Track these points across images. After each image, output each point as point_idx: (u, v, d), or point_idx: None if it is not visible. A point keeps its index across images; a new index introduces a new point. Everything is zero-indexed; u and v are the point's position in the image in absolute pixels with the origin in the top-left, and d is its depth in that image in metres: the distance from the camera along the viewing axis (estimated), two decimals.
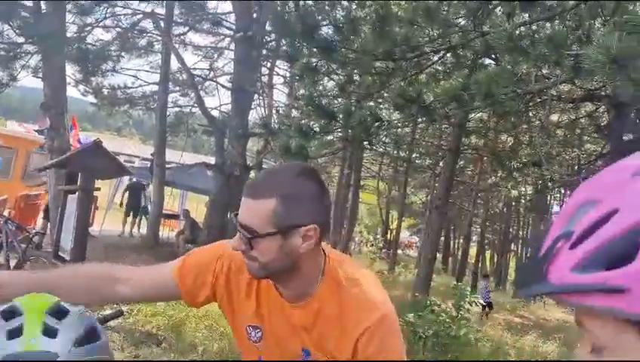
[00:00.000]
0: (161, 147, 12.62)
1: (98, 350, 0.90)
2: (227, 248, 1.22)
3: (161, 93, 13.22)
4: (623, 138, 8.63)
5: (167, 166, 13.11)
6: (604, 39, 2.98)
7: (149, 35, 13.65)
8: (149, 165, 14.81)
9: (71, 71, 11.91)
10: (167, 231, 14.78)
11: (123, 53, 13.13)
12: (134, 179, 14.65)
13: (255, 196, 1.09)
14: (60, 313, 0.90)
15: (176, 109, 16.32)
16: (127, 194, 14.53)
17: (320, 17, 6.58)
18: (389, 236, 23.80)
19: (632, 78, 3.05)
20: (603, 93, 7.20)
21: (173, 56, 12.47)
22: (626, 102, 6.47)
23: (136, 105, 16.04)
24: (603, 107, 8.60)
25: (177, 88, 15.50)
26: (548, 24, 4.81)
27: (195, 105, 13.81)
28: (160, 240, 12.87)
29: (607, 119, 8.78)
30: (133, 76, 15.03)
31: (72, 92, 13.69)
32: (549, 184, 9.20)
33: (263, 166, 17.83)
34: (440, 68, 8.25)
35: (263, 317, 1.24)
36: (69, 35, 9.88)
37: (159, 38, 12.95)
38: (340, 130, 4.98)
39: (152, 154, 13.97)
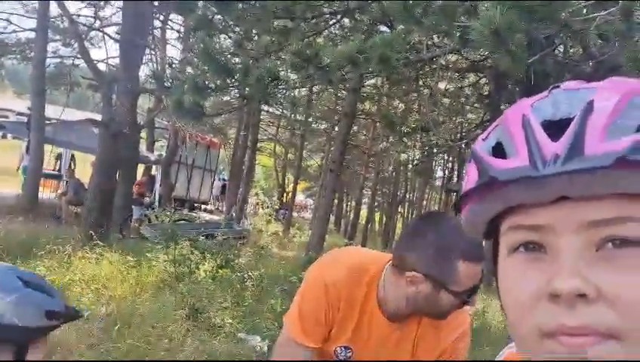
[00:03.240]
0: (40, 101, 11.57)
1: None
2: (329, 282, 1.32)
3: (38, 40, 12.03)
4: (501, 108, 9.35)
5: (47, 122, 12.11)
6: (488, 12, 3.16)
7: None
8: (26, 121, 13.61)
9: None
10: (49, 192, 13.78)
11: None
12: None
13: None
14: None
15: (57, 60, 15.03)
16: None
17: None
18: (284, 198, 24.03)
19: (510, 51, 3.29)
20: (486, 65, 7.71)
21: (52, 1, 11.37)
22: (505, 74, 6.99)
23: (9, 53, 14.55)
24: (485, 78, 9.22)
25: (58, 37, 14.19)
26: None
27: (79, 56, 12.76)
28: (40, 201, 12.00)
29: (488, 90, 9.43)
30: (6, 20, 13.64)
31: None
32: (435, 150, 9.78)
33: (155, 125, 17.02)
34: (337, 32, 8.33)
35: (357, 339, 1.36)
36: None
37: None
38: (237, 87, 4.86)
39: (28, 108, 12.83)
